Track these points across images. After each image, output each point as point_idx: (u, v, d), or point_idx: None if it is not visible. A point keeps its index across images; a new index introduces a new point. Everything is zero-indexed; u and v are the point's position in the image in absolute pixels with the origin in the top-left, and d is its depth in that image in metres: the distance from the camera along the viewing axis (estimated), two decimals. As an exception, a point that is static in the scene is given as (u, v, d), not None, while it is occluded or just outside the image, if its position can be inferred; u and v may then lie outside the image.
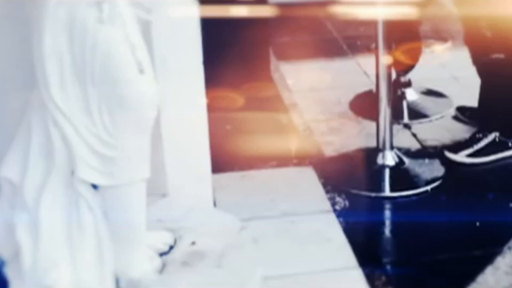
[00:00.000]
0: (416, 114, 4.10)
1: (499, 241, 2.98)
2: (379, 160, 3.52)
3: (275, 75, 4.53)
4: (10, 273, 2.43)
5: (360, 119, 4.07)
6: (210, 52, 2.98)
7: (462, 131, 3.86)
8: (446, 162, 3.57)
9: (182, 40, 2.86)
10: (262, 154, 3.62)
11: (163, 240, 2.67)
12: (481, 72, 3.66)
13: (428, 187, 3.39)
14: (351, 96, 4.32)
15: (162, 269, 2.56)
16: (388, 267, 2.91)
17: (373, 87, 3.71)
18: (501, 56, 3.51)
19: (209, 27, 3.03)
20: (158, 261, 2.58)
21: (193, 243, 2.68)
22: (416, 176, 3.49)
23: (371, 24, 3.52)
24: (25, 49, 2.41)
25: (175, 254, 2.63)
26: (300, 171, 3.54)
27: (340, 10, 4.92)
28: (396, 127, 3.71)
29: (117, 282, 2.48)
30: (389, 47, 3.49)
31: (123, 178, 2.40)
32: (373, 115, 3.58)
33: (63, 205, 2.39)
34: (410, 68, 4.20)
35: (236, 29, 3.85)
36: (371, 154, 3.57)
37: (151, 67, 2.40)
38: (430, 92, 4.31)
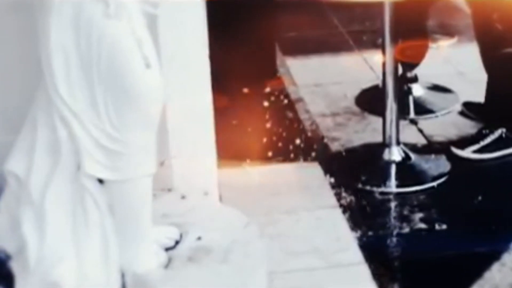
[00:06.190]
0: (423, 109, 4.09)
1: (506, 238, 2.98)
2: (385, 156, 3.52)
3: (281, 70, 4.53)
4: (16, 268, 2.43)
5: (366, 114, 4.07)
6: (216, 46, 2.98)
7: (469, 127, 3.85)
8: (452, 158, 3.56)
9: (188, 34, 2.85)
10: (268, 149, 3.62)
11: (169, 235, 2.66)
12: (489, 67, 3.65)
13: (435, 183, 3.38)
14: (357, 91, 4.31)
15: (168, 264, 2.56)
16: (394, 263, 2.91)
17: (379, 82, 3.71)
18: None
19: (215, 21, 3.02)
20: (163, 256, 2.57)
21: (199, 238, 2.67)
22: (422, 171, 3.48)
23: (377, 19, 3.51)
24: (31, 43, 2.41)
25: (181, 250, 2.62)
26: (306, 167, 3.54)
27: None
28: (402, 123, 3.70)
29: (123, 277, 2.47)
30: (395, 42, 3.48)
31: (129, 172, 2.39)
32: (379, 110, 3.58)
33: (68, 200, 2.39)
34: (416, 63, 4.19)
35: (242, 24, 3.84)
36: (377, 149, 3.57)
37: (157, 62, 2.39)
38: (436, 88, 4.30)
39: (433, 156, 3.61)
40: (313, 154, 3.63)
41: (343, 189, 3.33)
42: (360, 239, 2.99)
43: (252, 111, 3.89)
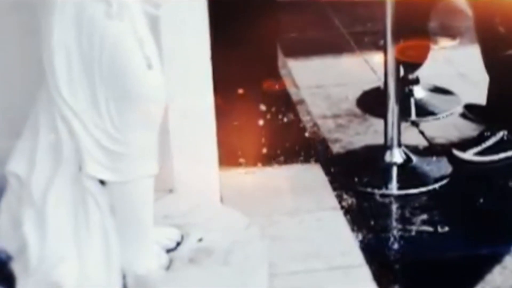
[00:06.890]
0: (424, 111, 4.08)
1: (507, 240, 2.97)
2: (387, 158, 3.52)
3: (282, 72, 4.52)
4: (17, 268, 2.42)
5: (367, 116, 4.06)
6: (217, 47, 2.97)
7: (470, 129, 3.84)
8: (454, 160, 3.56)
9: (189, 35, 2.85)
10: (269, 151, 3.62)
11: (170, 236, 2.66)
12: (491, 69, 3.64)
13: (436, 185, 3.38)
14: (358, 92, 4.30)
15: (169, 265, 2.56)
16: (395, 265, 2.90)
17: (381, 84, 3.70)
18: None
19: (217, 22, 3.02)
20: (165, 257, 2.57)
21: (200, 239, 2.67)
22: (424, 174, 3.48)
23: (379, 20, 3.51)
24: (33, 43, 2.40)
25: (182, 251, 2.62)
26: (307, 168, 3.53)
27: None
28: (403, 125, 3.70)
29: (124, 278, 2.47)
30: (397, 44, 3.48)
31: (130, 173, 2.39)
32: (381, 112, 3.57)
33: (70, 201, 2.39)
34: (418, 65, 4.18)
35: (244, 25, 3.84)
36: (378, 151, 3.56)
37: (159, 62, 2.39)
38: (438, 90, 4.30)
39: (434, 158, 3.60)
40: (314, 155, 3.63)
41: (344, 191, 3.33)
42: (361, 241, 2.99)
43: (253, 112, 3.89)
